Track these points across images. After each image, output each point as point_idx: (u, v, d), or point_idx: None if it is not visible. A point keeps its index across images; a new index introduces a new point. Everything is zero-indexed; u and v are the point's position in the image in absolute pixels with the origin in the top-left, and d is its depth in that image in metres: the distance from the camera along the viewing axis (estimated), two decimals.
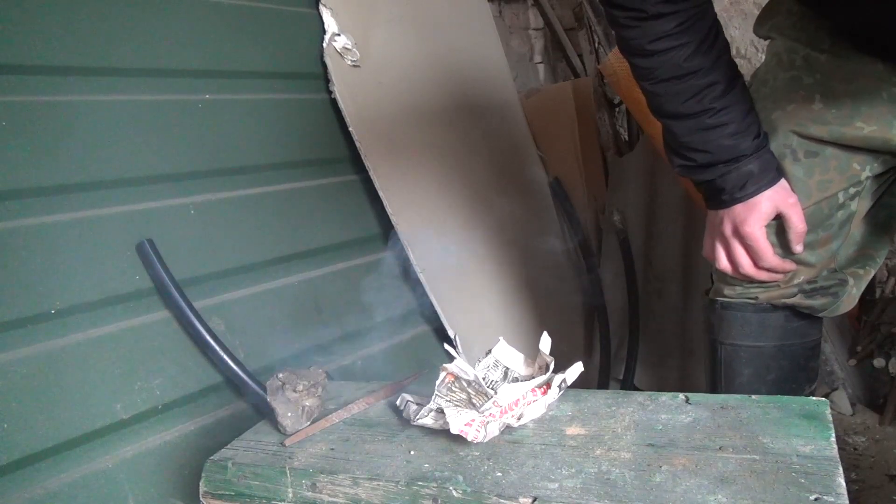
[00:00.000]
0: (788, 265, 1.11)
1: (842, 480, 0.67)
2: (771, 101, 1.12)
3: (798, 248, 1.09)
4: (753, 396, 0.85)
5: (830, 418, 0.79)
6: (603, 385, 2.09)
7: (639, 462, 0.74)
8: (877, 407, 2.00)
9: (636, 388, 2.11)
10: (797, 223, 1.06)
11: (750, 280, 1.14)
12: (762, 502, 0.64)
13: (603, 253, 2.21)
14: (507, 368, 0.95)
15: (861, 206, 1.13)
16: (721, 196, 1.08)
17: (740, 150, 1.03)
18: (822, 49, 1.05)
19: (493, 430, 0.82)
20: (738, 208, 1.07)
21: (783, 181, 1.07)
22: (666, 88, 1.04)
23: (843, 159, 1.07)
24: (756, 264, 1.10)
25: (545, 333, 0.93)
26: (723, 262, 1.13)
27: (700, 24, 1.00)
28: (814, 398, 0.83)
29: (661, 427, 0.81)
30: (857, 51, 1.01)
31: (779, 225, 1.09)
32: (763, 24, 1.16)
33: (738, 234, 1.08)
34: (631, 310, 2.11)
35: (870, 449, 1.84)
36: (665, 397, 0.88)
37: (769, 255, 1.08)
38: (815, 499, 0.64)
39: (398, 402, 0.93)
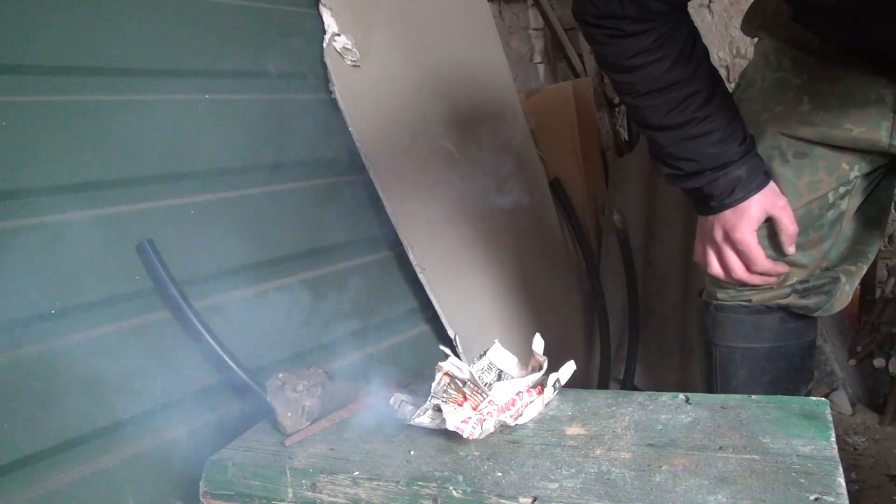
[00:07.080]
0: (781, 268, 1.10)
1: (842, 480, 0.67)
2: (759, 102, 1.10)
3: (790, 249, 1.08)
4: (753, 396, 0.85)
5: (830, 418, 0.79)
6: (603, 385, 2.09)
7: (639, 462, 0.74)
8: (877, 407, 2.00)
9: (636, 388, 2.11)
10: (788, 225, 1.06)
11: (743, 284, 1.13)
12: (762, 502, 0.65)
13: (603, 253, 2.21)
14: (501, 371, 0.95)
15: (851, 203, 1.12)
16: (710, 203, 1.07)
17: (727, 156, 1.02)
18: (809, 49, 1.04)
19: (490, 427, 0.82)
20: (728, 214, 1.06)
21: (772, 184, 1.06)
22: (647, 102, 1.02)
23: (832, 159, 1.06)
24: (748, 269, 1.09)
25: (537, 334, 0.93)
26: (715, 268, 1.12)
27: (677, 37, 0.98)
28: (814, 398, 0.83)
29: (661, 427, 0.81)
30: (844, 51, 1.00)
31: (769, 227, 1.08)
32: (751, 24, 1.15)
33: (729, 240, 1.07)
34: (631, 310, 2.10)
35: (870, 449, 1.84)
36: (665, 397, 0.88)
37: (761, 259, 1.07)
38: (815, 499, 0.64)
39: (392, 402, 0.93)
